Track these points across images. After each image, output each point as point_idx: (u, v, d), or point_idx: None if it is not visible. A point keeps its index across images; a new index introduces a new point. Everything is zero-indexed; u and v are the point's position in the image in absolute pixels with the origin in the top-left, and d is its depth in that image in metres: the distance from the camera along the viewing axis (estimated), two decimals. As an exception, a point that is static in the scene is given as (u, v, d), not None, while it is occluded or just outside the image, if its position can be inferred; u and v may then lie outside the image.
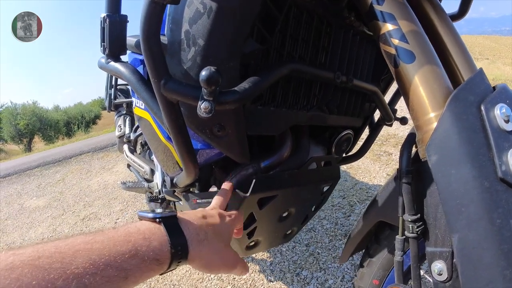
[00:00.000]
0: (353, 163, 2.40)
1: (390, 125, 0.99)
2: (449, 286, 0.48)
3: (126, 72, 0.61)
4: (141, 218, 0.43)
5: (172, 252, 0.39)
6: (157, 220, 0.41)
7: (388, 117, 0.94)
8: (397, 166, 0.53)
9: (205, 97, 0.43)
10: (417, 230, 0.50)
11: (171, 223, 0.42)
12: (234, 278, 1.45)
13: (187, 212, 0.48)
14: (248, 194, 0.63)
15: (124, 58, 0.67)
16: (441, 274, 0.48)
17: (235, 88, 0.50)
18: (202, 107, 0.43)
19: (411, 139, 0.53)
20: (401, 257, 0.55)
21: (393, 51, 0.50)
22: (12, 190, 3.78)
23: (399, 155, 0.54)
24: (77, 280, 0.30)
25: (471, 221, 0.39)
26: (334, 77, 0.70)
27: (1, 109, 16.61)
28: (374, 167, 2.41)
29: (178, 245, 0.40)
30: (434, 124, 0.45)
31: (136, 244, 0.36)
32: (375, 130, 1.04)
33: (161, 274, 0.40)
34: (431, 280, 0.52)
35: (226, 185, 0.63)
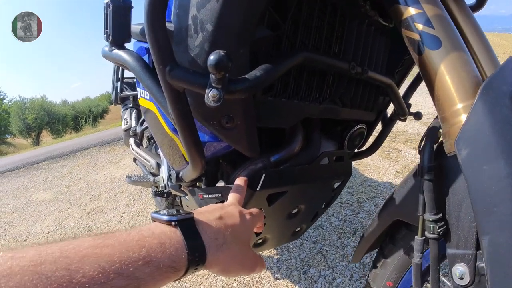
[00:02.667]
0: (362, 160, 2.36)
1: (404, 120, 0.96)
2: (471, 291, 0.45)
3: (130, 59, 0.58)
4: (154, 219, 0.39)
5: (189, 259, 0.35)
6: (173, 223, 0.37)
7: (403, 112, 0.90)
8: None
9: (213, 84, 0.40)
10: (438, 230, 0.47)
11: (187, 226, 0.38)
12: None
13: (203, 212, 0.44)
14: (258, 189, 0.60)
15: (129, 47, 0.65)
16: (462, 278, 0.46)
17: (246, 76, 0.46)
18: (210, 95, 0.40)
19: (433, 133, 0.50)
20: (420, 259, 0.52)
21: (417, 36, 0.46)
22: (20, 184, 3.81)
23: (420, 150, 0.50)
24: None
25: (504, 222, 0.36)
26: (349, 68, 0.66)
27: (10, 103, 16.84)
28: (383, 164, 2.36)
29: (196, 251, 0.36)
30: (462, 116, 0.42)
31: (150, 250, 0.33)
32: (388, 125, 1.00)
33: (174, 281, 0.37)
34: (448, 284, 0.49)
35: (240, 180, 0.58)
